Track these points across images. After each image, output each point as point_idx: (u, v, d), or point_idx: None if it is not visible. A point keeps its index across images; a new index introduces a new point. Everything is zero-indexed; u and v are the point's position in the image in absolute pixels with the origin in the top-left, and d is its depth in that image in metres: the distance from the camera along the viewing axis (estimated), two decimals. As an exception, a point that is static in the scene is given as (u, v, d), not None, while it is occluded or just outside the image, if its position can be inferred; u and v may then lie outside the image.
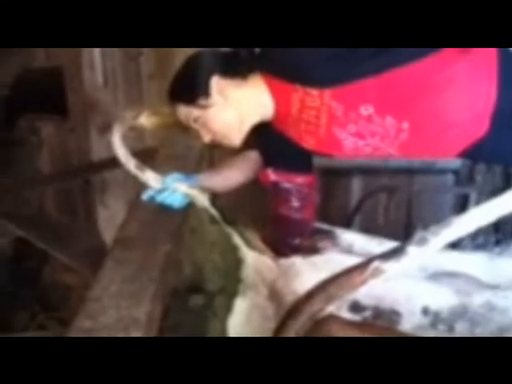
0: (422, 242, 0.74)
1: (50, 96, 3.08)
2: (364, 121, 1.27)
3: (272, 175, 1.45)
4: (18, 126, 3.29)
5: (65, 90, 3.04)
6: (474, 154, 1.33)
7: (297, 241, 1.46)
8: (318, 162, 1.54)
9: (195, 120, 1.34)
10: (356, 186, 2.84)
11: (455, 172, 2.77)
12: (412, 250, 0.75)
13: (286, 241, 1.47)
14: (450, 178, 2.78)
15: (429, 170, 2.75)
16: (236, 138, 1.37)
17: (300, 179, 1.45)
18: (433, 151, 1.36)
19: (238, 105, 1.33)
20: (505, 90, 1.24)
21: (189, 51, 1.35)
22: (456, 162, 2.73)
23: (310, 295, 0.78)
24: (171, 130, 1.50)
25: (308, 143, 1.38)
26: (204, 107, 1.31)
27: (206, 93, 1.30)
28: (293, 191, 1.44)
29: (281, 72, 1.30)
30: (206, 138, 1.37)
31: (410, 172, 2.75)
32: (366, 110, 1.26)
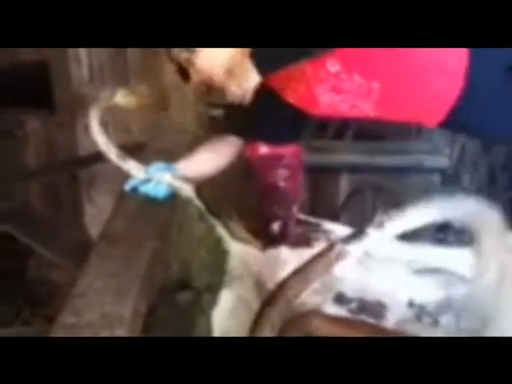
0: (380, 225, 0.81)
1: (36, 90, 3.05)
2: (334, 78, 1.29)
3: (261, 148, 1.46)
4: (3, 120, 3.25)
5: (51, 84, 3.01)
6: (452, 120, 1.32)
7: (282, 219, 1.47)
8: (307, 159, 1.55)
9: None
10: (344, 183, 2.85)
11: (442, 171, 2.79)
12: (372, 232, 0.81)
13: (272, 213, 1.47)
14: (436, 177, 2.80)
15: (416, 169, 2.77)
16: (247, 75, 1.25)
17: (287, 150, 1.47)
18: (409, 114, 1.36)
19: None
20: (478, 52, 1.22)
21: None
22: (443, 162, 2.75)
23: (285, 281, 0.81)
24: (158, 125, 1.48)
25: (290, 97, 1.38)
26: None
27: None
28: (280, 159, 1.47)
29: None
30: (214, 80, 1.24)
31: (397, 171, 2.76)
32: (333, 66, 1.27)
